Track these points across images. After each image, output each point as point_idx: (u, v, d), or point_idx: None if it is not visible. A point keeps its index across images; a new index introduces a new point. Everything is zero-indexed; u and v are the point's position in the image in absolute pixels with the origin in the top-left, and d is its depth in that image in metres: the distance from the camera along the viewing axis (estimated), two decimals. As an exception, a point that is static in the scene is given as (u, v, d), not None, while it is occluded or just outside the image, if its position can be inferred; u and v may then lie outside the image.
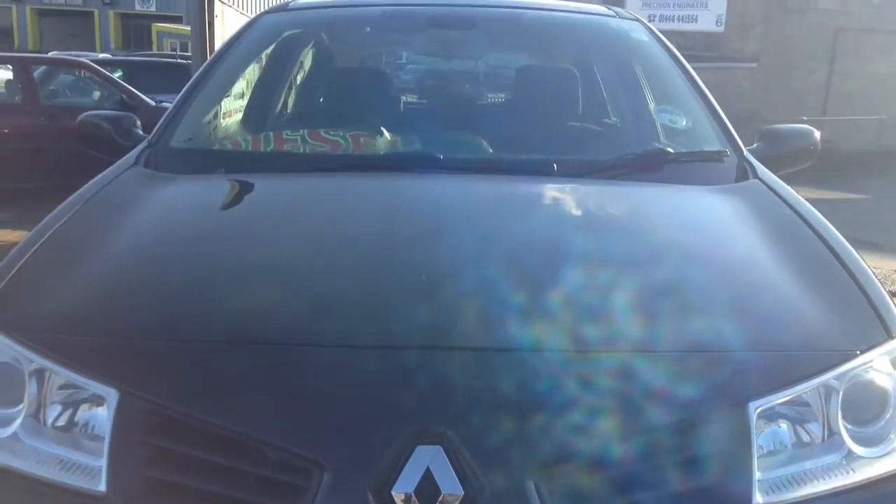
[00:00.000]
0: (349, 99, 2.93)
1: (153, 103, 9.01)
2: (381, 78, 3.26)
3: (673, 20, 18.37)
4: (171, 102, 9.49)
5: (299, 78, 3.20)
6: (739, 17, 16.27)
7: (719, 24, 16.75)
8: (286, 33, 3.10)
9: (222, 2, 6.92)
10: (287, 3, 3.20)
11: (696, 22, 17.54)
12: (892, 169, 12.08)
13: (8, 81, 9.75)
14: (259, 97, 2.95)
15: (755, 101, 14.33)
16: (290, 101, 3.15)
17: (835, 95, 15.18)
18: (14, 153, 8.13)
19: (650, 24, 2.98)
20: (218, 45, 6.83)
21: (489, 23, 2.98)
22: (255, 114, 2.87)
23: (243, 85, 2.89)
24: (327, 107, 3.06)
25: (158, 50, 34.11)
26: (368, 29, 3.27)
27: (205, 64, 2.76)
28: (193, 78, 2.67)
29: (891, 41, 15.24)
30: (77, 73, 10.52)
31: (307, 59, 3.23)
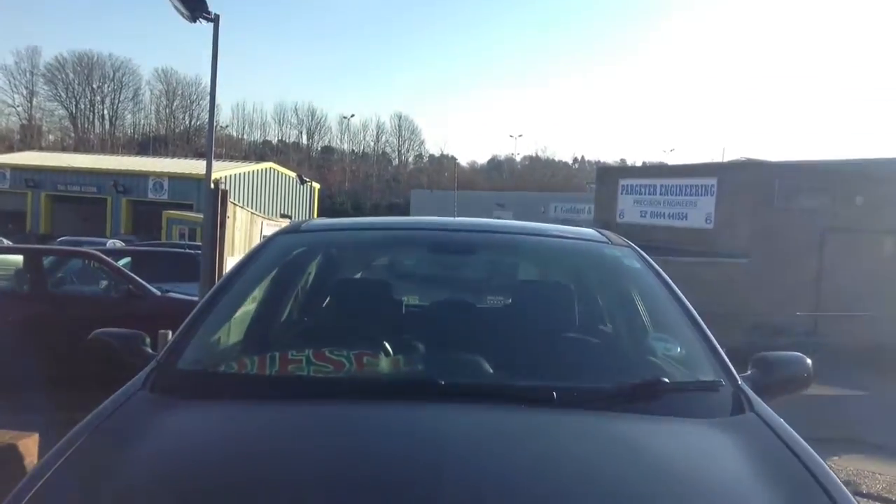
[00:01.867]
0: (353, 314, 3.02)
1: (159, 293, 9.19)
2: (385, 292, 3.36)
3: (664, 217, 19.12)
4: (177, 292, 9.58)
5: (306, 293, 3.32)
6: (728, 214, 16.91)
7: (709, 221, 17.39)
8: (296, 251, 3.24)
9: (234, 203, 7.24)
10: (299, 224, 3.38)
11: (686, 219, 18.22)
12: (886, 364, 12.13)
13: (17, 270, 9.98)
14: (267, 312, 3.04)
15: (748, 296, 14.61)
16: (297, 316, 3.24)
17: (826, 291, 15.49)
18: (20, 342, 8.17)
19: (641, 251, 3.13)
20: (227, 243, 7.08)
21: (488, 248, 3.12)
22: (262, 330, 2.94)
23: (252, 304, 2.99)
24: (332, 322, 3.13)
25: (167, 235, 35.15)
26: (376, 252, 3.42)
27: (216, 285, 2.87)
28: (204, 299, 2.77)
29: (876, 240, 15.79)
30: (85, 262, 10.78)
31: (314, 276, 3.36)
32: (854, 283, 14.65)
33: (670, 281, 2.87)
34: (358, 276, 3.80)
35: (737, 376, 2.41)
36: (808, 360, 2.59)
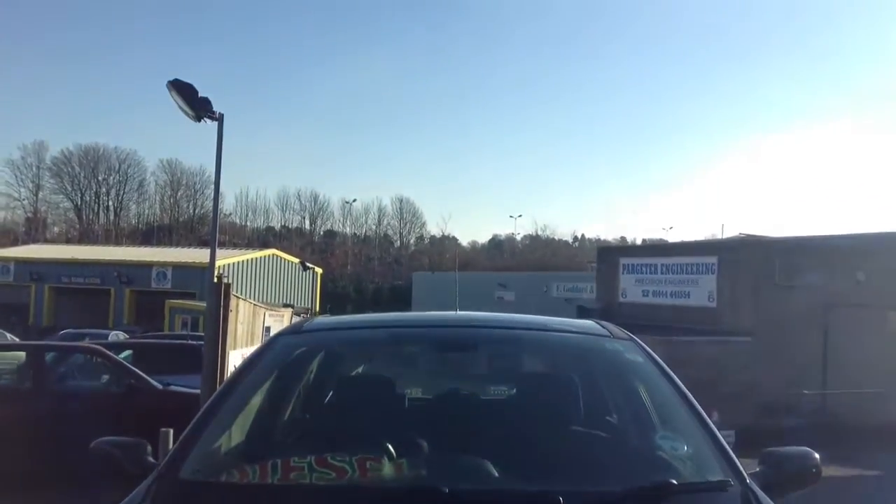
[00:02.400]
0: (355, 413, 3.01)
1: (160, 387, 9.16)
2: (387, 387, 3.35)
3: (666, 296, 19.15)
4: (179, 385, 9.53)
5: (308, 394, 3.31)
6: (730, 292, 16.95)
7: (711, 300, 17.41)
8: (298, 352, 3.26)
9: (236, 296, 7.28)
10: (301, 325, 3.40)
11: (688, 297, 18.24)
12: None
13: (20, 366, 9.97)
14: (269, 414, 3.04)
15: (754, 374, 14.48)
16: (299, 417, 3.23)
17: (833, 367, 15.36)
18: (22, 438, 8.09)
19: (643, 343, 3.14)
20: (230, 336, 7.09)
21: (490, 344, 3.14)
22: (265, 432, 2.93)
23: (254, 406, 2.98)
24: (334, 423, 3.12)
25: (170, 324, 35.12)
26: (378, 351, 3.43)
27: (218, 390, 2.88)
28: (206, 404, 2.77)
29: (880, 315, 15.73)
30: (87, 356, 10.77)
31: (315, 376, 3.36)
32: (860, 359, 14.54)
33: (673, 375, 2.88)
34: (359, 370, 3.80)
35: (745, 475, 2.39)
36: (817, 455, 2.58)
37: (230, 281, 7.73)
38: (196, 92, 8.07)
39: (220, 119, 8.39)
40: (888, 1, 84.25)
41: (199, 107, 8.19)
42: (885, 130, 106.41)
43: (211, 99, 8.30)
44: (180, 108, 8.01)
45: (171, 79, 7.95)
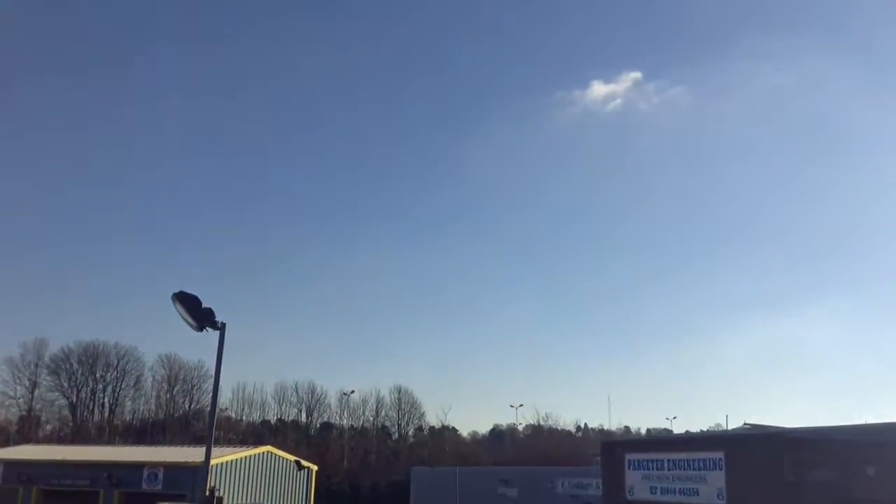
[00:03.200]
0: None
1: None
2: None
3: (675, 493, 18.52)
4: None
5: None
6: (740, 489, 16.44)
7: (721, 497, 16.85)
8: None
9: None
10: None
11: (697, 495, 17.65)
12: None
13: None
14: None
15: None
16: None
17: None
18: None
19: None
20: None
21: None
22: None
23: None
24: None
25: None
26: None
27: None
28: None
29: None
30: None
31: None
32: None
33: None
34: None
35: None
36: None
37: (222, 483, 7.53)
38: (200, 303, 8.26)
39: (221, 329, 8.54)
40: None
41: (202, 317, 8.35)
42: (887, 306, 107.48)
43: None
44: (183, 318, 8.18)
45: (176, 291, 8.18)
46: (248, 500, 41.42)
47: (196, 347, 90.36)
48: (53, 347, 76.38)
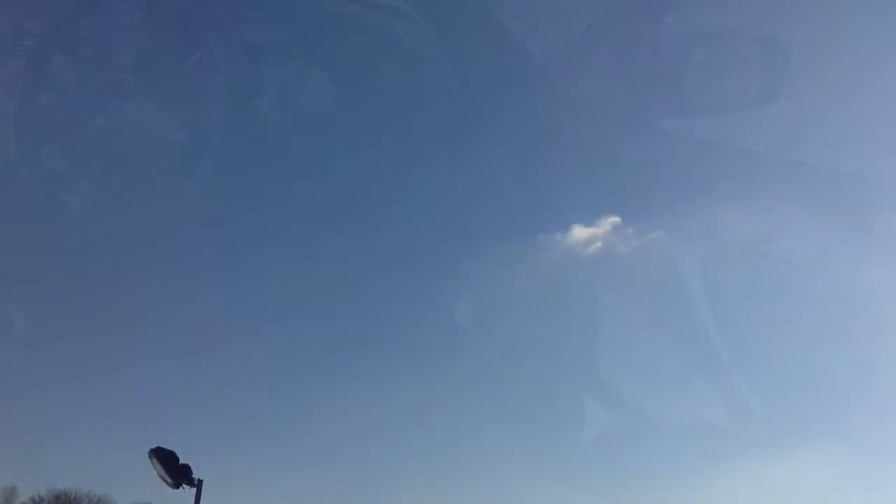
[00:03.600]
0: None
1: None
2: None
3: None
4: None
5: None
6: None
7: None
8: None
9: None
10: None
11: None
12: None
13: None
14: None
15: None
16: None
17: None
18: None
19: None
20: None
21: None
22: None
23: None
24: None
25: None
26: None
27: None
28: None
29: None
30: None
31: None
32: None
33: None
34: None
35: None
36: None
37: None
38: (177, 459, 8.03)
39: (198, 485, 8.26)
40: None
41: (177, 472, 8.09)
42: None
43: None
44: (160, 476, 7.93)
45: (154, 447, 7.97)
46: None
47: (173, 495, 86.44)
48: (24, 496, 73.03)
